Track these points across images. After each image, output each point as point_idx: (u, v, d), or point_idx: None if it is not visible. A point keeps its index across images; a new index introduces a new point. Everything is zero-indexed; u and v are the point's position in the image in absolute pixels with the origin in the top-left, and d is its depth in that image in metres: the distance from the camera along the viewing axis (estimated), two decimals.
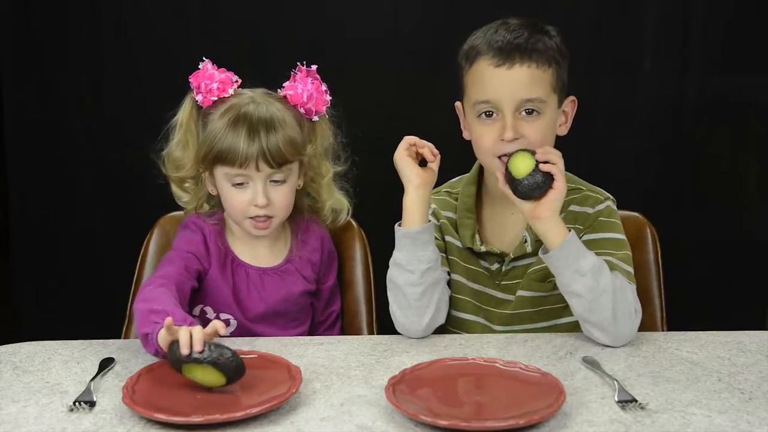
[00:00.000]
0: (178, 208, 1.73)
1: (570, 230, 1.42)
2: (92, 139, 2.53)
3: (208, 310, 1.58)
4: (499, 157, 1.48)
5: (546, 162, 1.40)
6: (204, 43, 2.44)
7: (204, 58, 1.57)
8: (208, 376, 1.20)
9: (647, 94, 2.47)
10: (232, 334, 1.58)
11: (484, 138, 1.50)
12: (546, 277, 1.54)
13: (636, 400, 1.20)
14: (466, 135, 1.59)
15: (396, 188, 2.39)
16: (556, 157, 1.41)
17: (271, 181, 1.53)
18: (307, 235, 1.66)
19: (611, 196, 1.59)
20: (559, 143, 1.52)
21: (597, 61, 2.40)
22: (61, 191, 2.57)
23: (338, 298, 1.72)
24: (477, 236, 1.59)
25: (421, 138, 1.60)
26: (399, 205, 2.49)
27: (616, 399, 1.20)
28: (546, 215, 1.40)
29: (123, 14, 2.47)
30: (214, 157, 1.52)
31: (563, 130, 1.57)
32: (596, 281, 1.38)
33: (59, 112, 2.52)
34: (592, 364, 1.34)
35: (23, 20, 2.47)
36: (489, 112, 1.49)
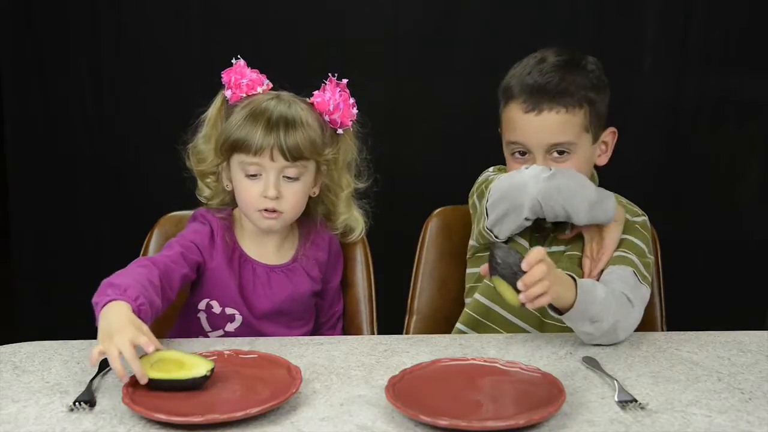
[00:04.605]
0: (178, 208, 1.73)
1: (573, 282, 1.37)
2: (92, 139, 2.53)
3: (215, 304, 1.58)
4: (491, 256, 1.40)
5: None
6: (204, 43, 2.45)
7: (238, 56, 1.58)
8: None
9: (647, 93, 2.47)
10: (237, 330, 1.58)
11: None
12: None
13: (636, 400, 1.20)
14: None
15: (394, 187, 2.40)
16: (540, 291, 1.28)
17: (284, 176, 1.54)
18: (316, 235, 1.66)
19: (645, 214, 1.64)
20: None
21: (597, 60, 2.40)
22: (61, 191, 2.57)
23: (341, 298, 1.72)
24: None
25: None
26: (396, 204, 2.49)
27: (616, 399, 1.20)
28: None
29: (123, 14, 2.47)
30: (231, 145, 1.53)
31: (603, 160, 1.62)
32: (607, 321, 1.38)
33: (59, 112, 2.52)
34: (592, 364, 1.34)
35: (23, 20, 2.47)
36: (521, 151, 1.56)
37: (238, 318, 1.58)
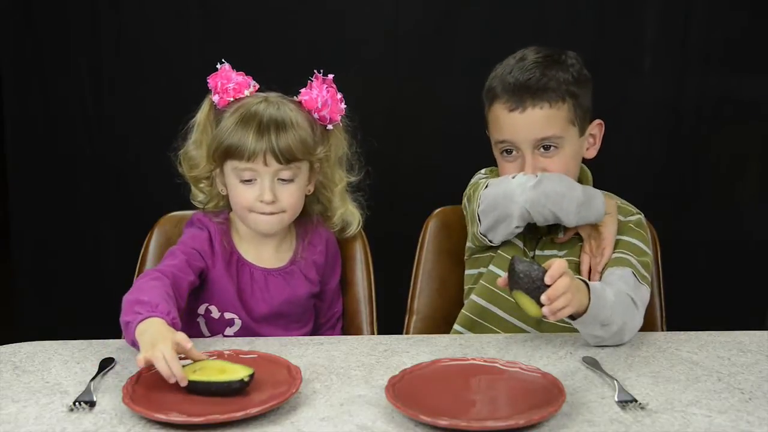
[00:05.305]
0: (178, 208, 1.73)
1: (586, 287, 1.36)
2: (92, 139, 2.53)
3: (213, 309, 1.58)
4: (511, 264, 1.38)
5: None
6: (204, 43, 2.45)
7: (223, 60, 1.58)
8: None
9: (647, 93, 2.47)
10: (236, 334, 1.58)
11: (508, 173, 1.58)
12: None
13: (636, 400, 1.20)
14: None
15: (394, 187, 2.40)
16: (564, 304, 1.30)
17: (278, 179, 1.54)
18: (313, 237, 1.66)
19: (641, 212, 1.65)
20: None
21: (597, 60, 2.40)
22: (61, 191, 2.57)
23: (340, 299, 1.72)
24: None
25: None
26: (396, 204, 2.49)
27: (616, 399, 1.20)
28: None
29: (123, 14, 2.47)
30: (223, 151, 1.53)
31: (591, 153, 1.63)
32: (616, 324, 1.39)
33: (59, 112, 2.52)
34: (592, 364, 1.34)
35: (23, 20, 2.47)
36: (509, 149, 1.57)
37: (237, 322, 1.58)
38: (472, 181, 1.69)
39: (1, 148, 2.65)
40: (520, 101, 1.53)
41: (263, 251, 1.62)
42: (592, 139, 1.63)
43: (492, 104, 1.58)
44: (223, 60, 1.59)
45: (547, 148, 1.55)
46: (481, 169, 1.71)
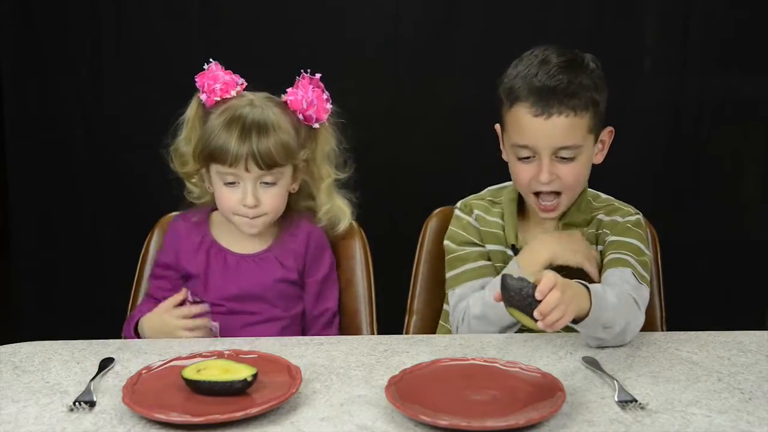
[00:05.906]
0: (178, 207, 1.73)
1: (587, 291, 1.36)
2: (92, 138, 2.53)
3: (188, 292, 1.61)
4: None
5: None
6: (204, 43, 2.45)
7: (211, 60, 1.58)
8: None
9: (647, 94, 2.47)
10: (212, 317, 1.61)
11: (522, 175, 1.57)
12: None
13: (636, 400, 1.20)
14: (504, 157, 1.63)
15: (393, 188, 2.40)
16: (558, 317, 1.28)
17: (261, 182, 1.56)
18: (295, 229, 1.68)
19: (639, 212, 1.64)
20: None
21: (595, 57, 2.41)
22: (61, 191, 2.57)
23: (333, 295, 1.71)
24: (519, 237, 1.63)
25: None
26: (396, 204, 2.49)
27: (616, 399, 1.20)
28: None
29: (123, 14, 2.47)
30: (207, 155, 1.56)
31: (599, 159, 1.61)
32: (619, 325, 1.39)
33: (59, 112, 2.52)
34: (592, 364, 1.34)
35: (23, 20, 2.47)
36: (527, 156, 1.55)
37: (206, 306, 1.59)
38: (453, 216, 1.69)
39: (1, 148, 2.65)
40: (546, 107, 1.49)
41: (241, 238, 1.65)
42: (600, 145, 1.60)
43: (513, 106, 1.53)
44: (211, 59, 1.59)
45: (565, 156, 1.52)
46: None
